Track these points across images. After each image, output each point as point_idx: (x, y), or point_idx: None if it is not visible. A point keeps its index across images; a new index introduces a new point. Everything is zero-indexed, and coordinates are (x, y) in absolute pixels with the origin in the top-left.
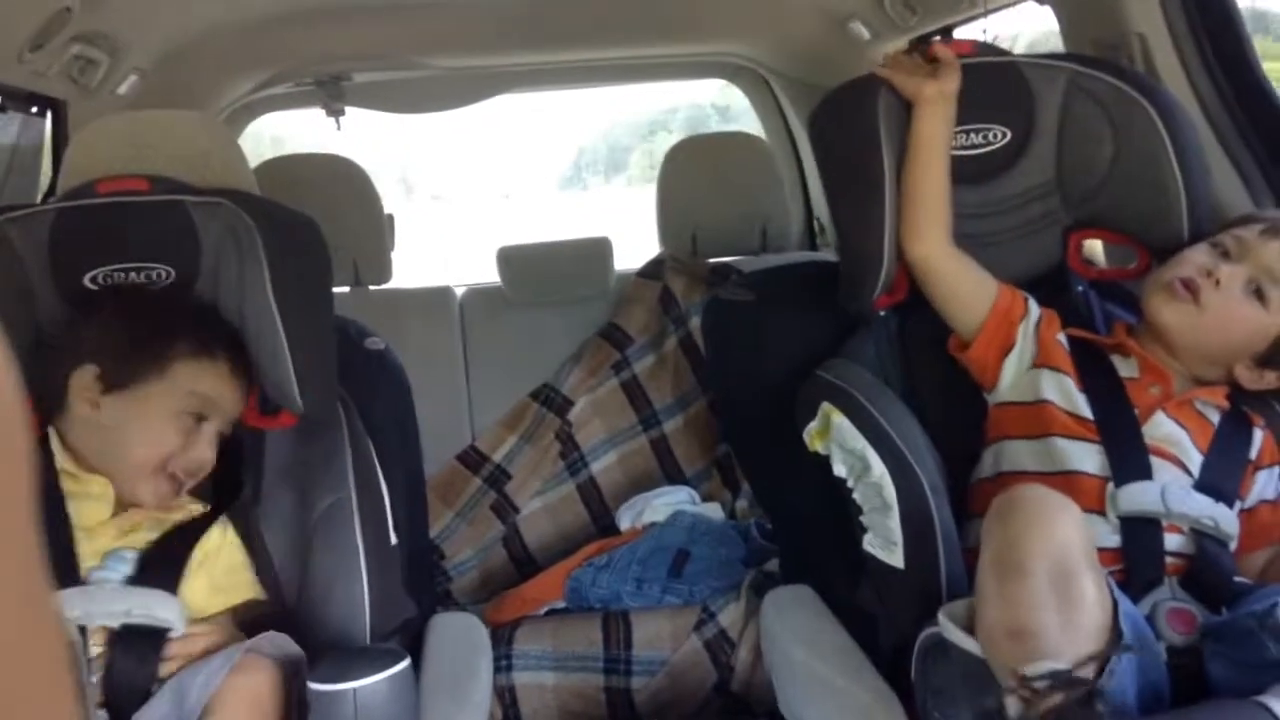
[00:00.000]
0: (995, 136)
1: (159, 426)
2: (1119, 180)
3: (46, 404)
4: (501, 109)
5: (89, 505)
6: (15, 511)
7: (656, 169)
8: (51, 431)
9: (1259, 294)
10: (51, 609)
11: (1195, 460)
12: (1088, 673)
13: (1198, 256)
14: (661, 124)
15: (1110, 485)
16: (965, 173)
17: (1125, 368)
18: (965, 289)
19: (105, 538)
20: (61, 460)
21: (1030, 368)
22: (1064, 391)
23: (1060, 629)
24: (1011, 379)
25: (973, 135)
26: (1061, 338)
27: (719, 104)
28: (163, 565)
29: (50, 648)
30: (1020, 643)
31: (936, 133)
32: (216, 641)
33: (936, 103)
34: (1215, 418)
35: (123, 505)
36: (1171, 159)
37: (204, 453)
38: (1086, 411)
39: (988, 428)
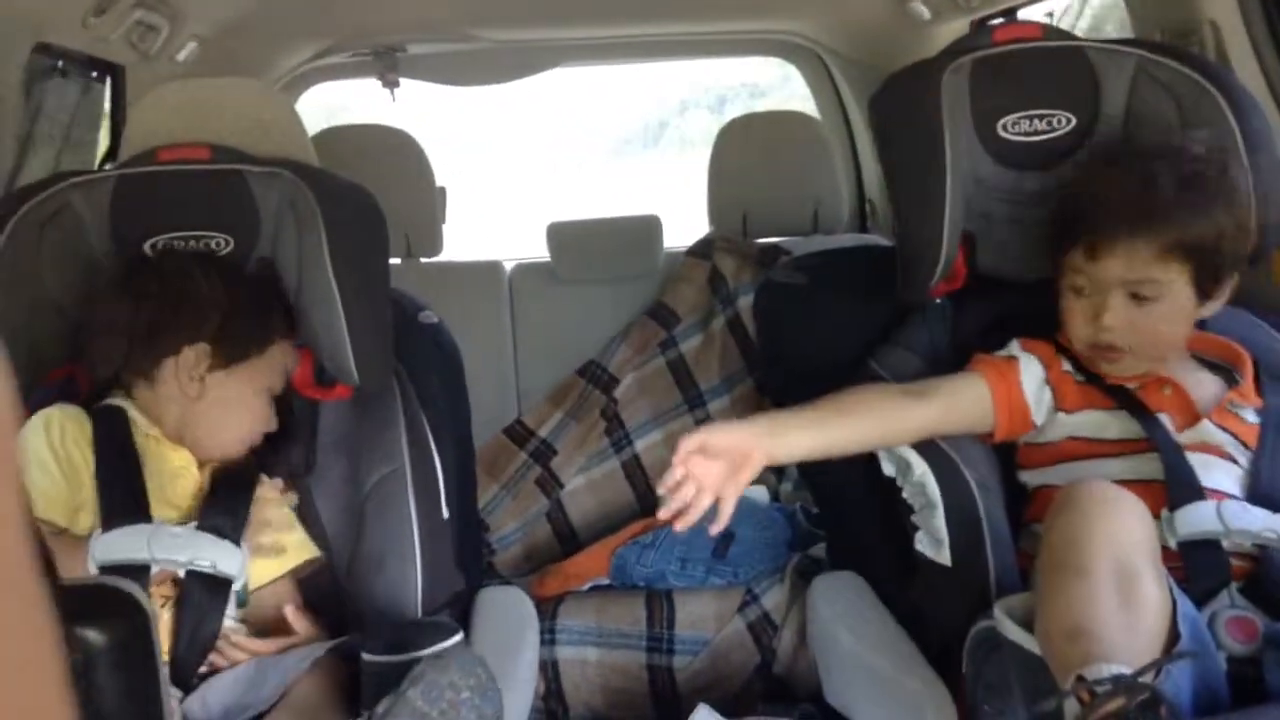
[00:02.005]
0: (1059, 123)
1: (258, 404)
2: None
3: (125, 372)
4: (541, 87)
5: (180, 481)
6: (5, 513)
7: (687, 143)
8: (121, 402)
9: (1136, 298)
10: (43, 604)
11: (1245, 455)
12: (1149, 677)
13: (1077, 322)
14: (693, 102)
15: (1165, 510)
16: (1027, 159)
17: (1128, 382)
18: (965, 417)
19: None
20: (147, 428)
21: (1053, 410)
22: (1095, 425)
23: (1121, 630)
24: (1043, 426)
25: (1036, 121)
26: (1067, 367)
27: (748, 83)
28: (227, 512)
29: (39, 646)
30: (1079, 644)
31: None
32: (301, 639)
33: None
34: (1252, 417)
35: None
36: (1241, 151)
37: (273, 421)
38: (1118, 435)
39: (1023, 460)
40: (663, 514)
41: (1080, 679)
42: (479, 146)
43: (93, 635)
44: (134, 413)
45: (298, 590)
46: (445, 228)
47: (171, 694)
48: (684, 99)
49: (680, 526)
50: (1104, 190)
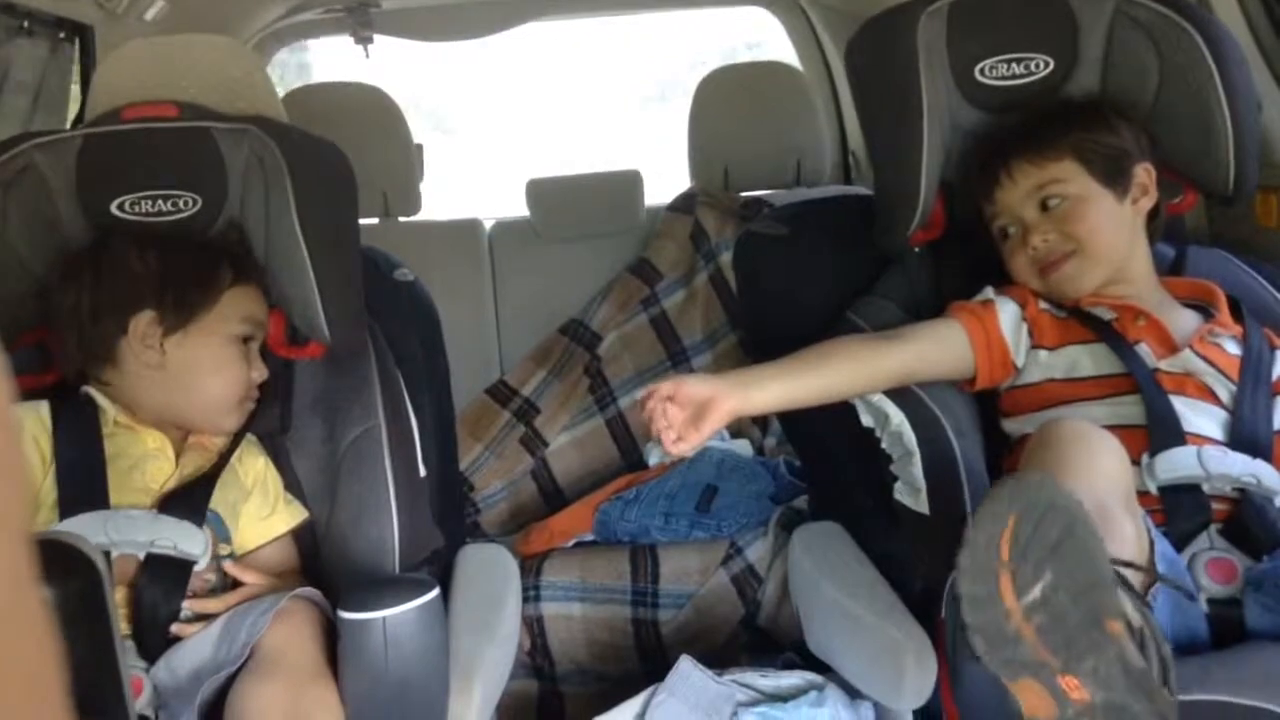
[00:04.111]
0: (1037, 66)
1: (227, 358)
2: (1164, 113)
3: (87, 363)
4: (555, 40)
5: (152, 464)
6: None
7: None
8: (92, 390)
9: (1048, 208)
10: (35, 592)
11: (1228, 389)
12: None
13: (1019, 262)
14: (699, 60)
15: (1145, 455)
16: (1007, 103)
17: (1103, 314)
18: (943, 360)
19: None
20: (116, 414)
21: (1032, 348)
22: (1074, 362)
23: None
24: (1024, 367)
25: (1014, 65)
26: (1044, 306)
27: (749, 41)
28: (188, 493)
29: (34, 633)
30: None
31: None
32: (262, 588)
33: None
34: (1233, 348)
35: (178, 451)
36: (1219, 93)
37: (261, 370)
38: (1097, 371)
39: (1006, 407)
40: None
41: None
42: (497, 107)
43: (45, 592)
44: (103, 401)
45: (297, 551)
46: (458, 186)
47: (137, 665)
48: (695, 55)
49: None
50: (980, 141)
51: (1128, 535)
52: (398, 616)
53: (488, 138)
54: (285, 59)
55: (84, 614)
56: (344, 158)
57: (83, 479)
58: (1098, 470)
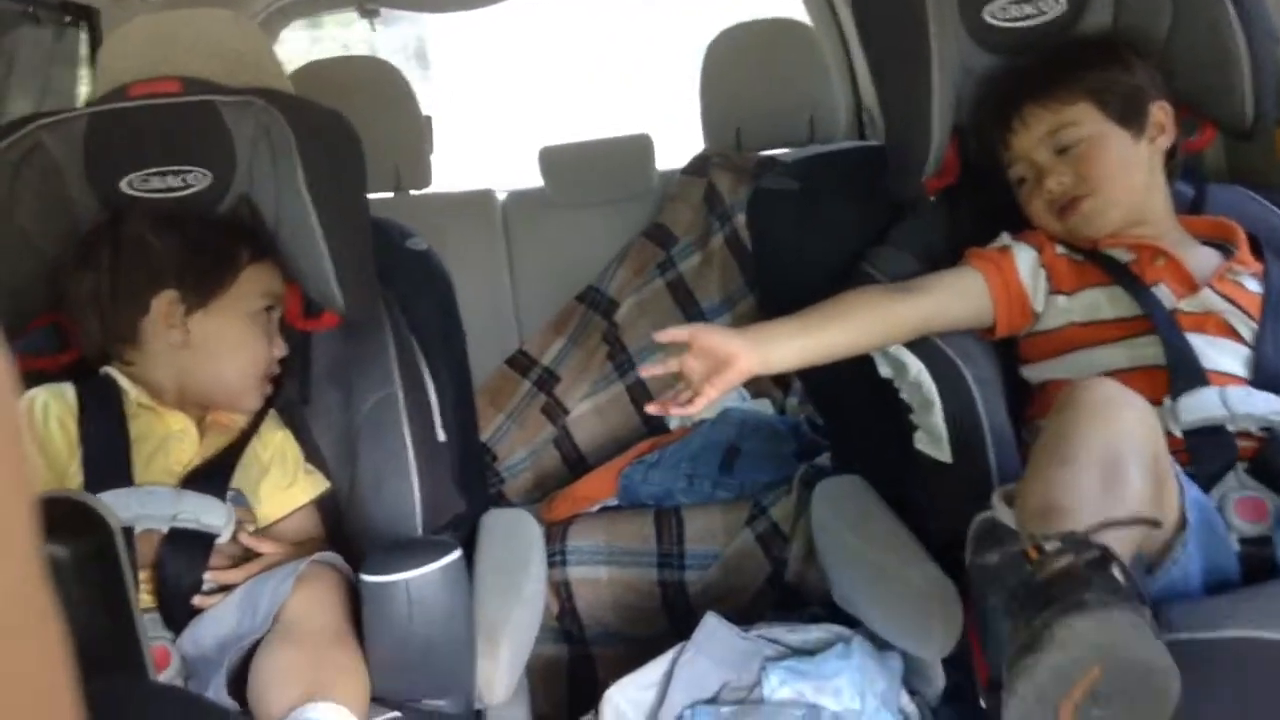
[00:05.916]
0: (1048, 5)
1: (249, 334)
2: (1179, 49)
3: (109, 343)
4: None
5: (176, 446)
6: (11, 495)
7: None
8: (113, 371)
9: (1065, 151)
10: (46, 605)
11: (1249, 326)
12: (1114, 539)
13: (1037, 206)
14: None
15: (1167, 398)
16: (1018, 45)
17: (1121, 255)
18: (962, 309)
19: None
20: (139, 395)
21: (1050, 294)
22: (1093, 306)
23: (1098, 512)
24: (1043, 313)
25: (1024, 5)
26: (1061, 250)
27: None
28: (210, 470)
29: (46, 650)
30: (1050, 519)
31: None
32: (280, 556)
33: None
34: (1253, 285)
35: (200, 432)
36: (1235, 25)
37: (282, 346)
38: (1116, 314)
39: (1026, 354)
40: (652, 407)
41: (1031, 536)
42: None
43: (58, 550)
44: (125, 382)
45: (321, 521)
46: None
47: (164, 636)
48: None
49: (674, 412)
50: (992, 86)
51: (1132, 491)
52: (421, 578)
53: (555, 113)
54: (405, 33)
55: (97, 573)
56: (349, 125)
57: (109, 461)
58: (1118, 430)
